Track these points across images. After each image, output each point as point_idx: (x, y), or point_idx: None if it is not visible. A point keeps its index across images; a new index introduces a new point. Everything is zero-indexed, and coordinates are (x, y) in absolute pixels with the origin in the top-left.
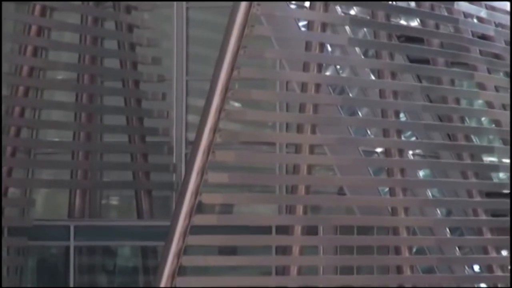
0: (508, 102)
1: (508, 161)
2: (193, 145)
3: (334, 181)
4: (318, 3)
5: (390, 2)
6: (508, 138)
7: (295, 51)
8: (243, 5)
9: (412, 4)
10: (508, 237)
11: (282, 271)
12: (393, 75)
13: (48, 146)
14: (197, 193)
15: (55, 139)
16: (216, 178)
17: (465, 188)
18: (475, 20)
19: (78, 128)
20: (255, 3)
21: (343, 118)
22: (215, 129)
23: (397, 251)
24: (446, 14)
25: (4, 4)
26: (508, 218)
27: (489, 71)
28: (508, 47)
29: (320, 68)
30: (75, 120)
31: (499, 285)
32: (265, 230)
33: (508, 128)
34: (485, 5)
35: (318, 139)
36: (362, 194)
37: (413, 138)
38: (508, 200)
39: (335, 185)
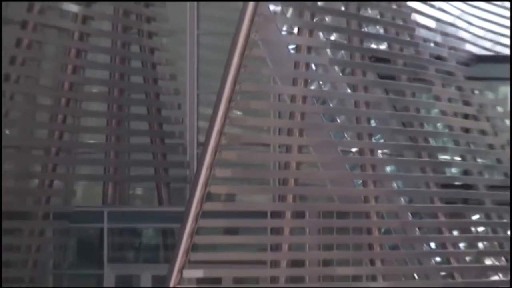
0: (460, 111)
1: (459, 158)
2: (203, 146)
3: (317, 175)
4: (304, 30)
5: (363, 30)
6: (459, 140)
7: (286, 69)
8: (243, 31)
9: (381, 30)
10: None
11: (276, 248)
12: (365, 89)
13: (86, 147)
14: (206, 185)
15: (91, 141)
16: (222, 173)
17: (424, 181)
18: (432, 44)
19: (110, 132)
20: (253, 30)
21: (325, 124)
22: (221, 133)
23: (369, 231)
24: (408, 39)
25: (47, 29)
26: (459, 205)
27: (443, 86)
28: (460, 66)
29: (306, 83)
30: (107, 125)
31: (451, 260)
32: (262, 214)
33: (460, 132)
34: (440, 31)
35: (305, 141)
36: (340, 185)
37: (382, 140)
38: (460, 190)
39: (318, 178)
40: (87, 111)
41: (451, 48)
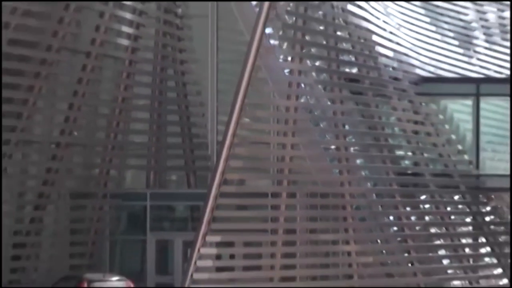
0: (411, 118)
1: (410, 154)
2: (221, 144)
3: (305, 166)
4: (296, 58)
5: (339, 58)
6: (410, 140)
7: (282, 87)
8: (251, 59)
9: (353, 58)
10: None
11: (274, 219)
12: (341, 102)
13: (134, 144)
14: (223, 173)
15: (138, 140)
16: (235, 164)
17: (384, 170)
18: (390, 69)
19: (152, 134)
20: (258, 58)
21: (311, 128)
22: (234, 134)
23: (343, 207)
24: (373, 64)
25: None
26: (410, 188)
27: (398, 99)
28: (411, 84)
29: (297, 97)
30: (149, 129)
31: (404, 229)
32: (264, 195)
33: (411, 134)
34: (396, 59)
35: (296, 140)
36: (322, 173)
37: (353, 140)
38: (411, 177)
39: (306, 168)
40: (135, 118)
41: (404, 71)
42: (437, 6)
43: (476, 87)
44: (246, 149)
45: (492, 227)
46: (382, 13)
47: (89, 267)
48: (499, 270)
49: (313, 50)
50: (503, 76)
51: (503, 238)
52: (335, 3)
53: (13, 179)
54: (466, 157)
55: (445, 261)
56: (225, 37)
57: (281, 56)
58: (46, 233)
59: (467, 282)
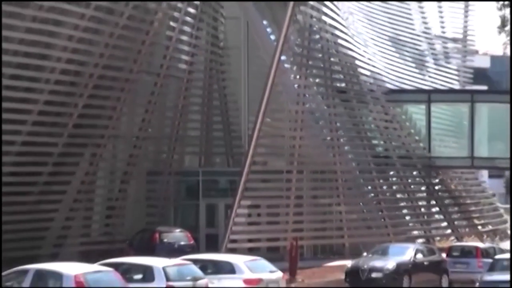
0: (383, 118)
1: (383, 142)
2: (250, 136)
3: (309, 152)
4: (302, 76)
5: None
6: (383, 133)
7: (293, 97)
8: (271, 79)
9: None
10: None
11: (288, 189)
12: (334, 106)
13: (188, 139)
14: (252, 156)
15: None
16: (260, 150)
17: (364, 154)
18: (368, 83)
19: (202, 130)
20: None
21: (313, 124)
22: (260, 130)
23: (336, 180)
24: (355, 80)
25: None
26: (383, 166)
27: (374, 104)
28: (382, 94)
29: (303, 104)
30: (200, 127)
31: (379, 195)
32: (280, 172)
33: (383, 129)
34: (372, 77)
35: (303, 134)
36: (321, 156)
37: (343, 133)
38: (383, 159)
39: (310, 153)
40: (191, 119)
41: (378, 85)
42: (400, 40)
43: (428, 96)
44: (268, 140)
45: (440, 193)
46: (362, 45)
47: (159, 223)
48: (445, 223)
49: (314, 71)
50: (446, 88)
51: (447, 201)
52: (329, 38)
53: (106, 162)
54: (421, 144)
55: (407, 217)
56: (253, 62)
57: (292, 76)
58: (129, 199)
59: (422, 231)
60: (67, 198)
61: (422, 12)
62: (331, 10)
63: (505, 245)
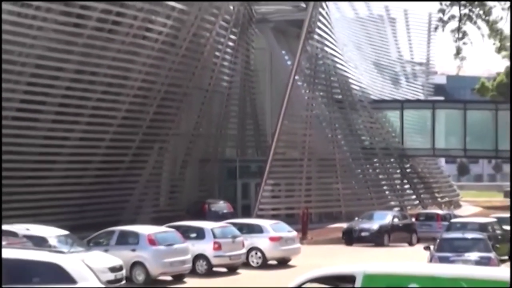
0: (367, 120)
1: (369, 138)
2: (273, 134)
3: (315, 145)
4: (311, 91)
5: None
6: (369, 131)
7: (303, 105)
8: (288, 92)
9: (339, 90)
10: None
11: (300, 171)
12: (333, 112)
13: (229, 140)
14: (275, 148)
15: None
16: (280, 144)
17: (356, 146)
18: (358, 95)
19: (239, 130)
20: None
21: (319, 125)
22: (280, 129)
23: (335, 165)
24: (349, 93)
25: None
26: (369, 155)
27: (362, 111)
28: (368, 103)
29: (311, 110)
30: (237, 127)
31: (366, 176)
32: (295, 159)
33: (369, 128)
34: (361, 90)
35: (311, 132)
36: (324, 148)
37: (339, 131)
38: (370, 150)
39: (316, 145)
40: (231, 122)
41: (365, 97)
42: (381, 64)
43: (401, 105)
44: (286, 136)
45: (410, 175)
46: (353, 67)
47: (208, 197)
48: (414, 196)
49: (319, 87)
50: (414, 99)
51: (415, 180)
52: (329, 63)
53: (170, 153)
54: (396, 139)
55: (387, 192)
56: (274, 80)
57: (303, 90)
58: (186, 180)
59: (398, 202)
60: (142, 179)
61: (396, 43)
62: (331, 42)
63: (458, 211)
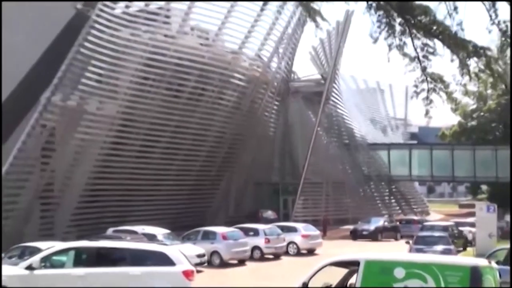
0: (366, 156)
1: (366, 168)
2: (303, 166)
3: (329, 171)
4: (325, 134)
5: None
6: (367, 164)
7: (323, 147)
8: (313, 136)
9: (345, 134)
10: None
11: (320, 190)
12: (342, 152)
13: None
14: (304, 177)
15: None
16: (308, 173)
17: (359, 173)
18: (359, 139)
19: (279, 163)
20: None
21: (331, 156)
22: (308, 161)
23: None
24: (352, 138)
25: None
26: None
27: (361, 149)
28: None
29: (327, 149)
30: (280, 166)
31: (365, 191)
32: (318, 182)
33: (366, 162)
34: (360, 136)
35: (329, 165)
36: (337, 174)
37: (347, 162)
38: (367, 175)
39: (329, 170)
40: (275, 162)
41: (363, 140)
42: (374, 119)
43: (388, 147)
44: (312, 167)
45: (395, 193)
46: (355, 121)
47: (261, 208)
48: (398, 207)
49: (333, 134)
50: (397, 143)
51: (399, 197)
52: (340, 119)
53: (236, 178)
54: (385, 169)
55: (379, 205)
56: (303, 130)
57: (323, 137)
58: (246, 196)
59: (387, 212)
60: (217, 196)
61: (384, 105)
62: (341, 106)
63: (428, 218)
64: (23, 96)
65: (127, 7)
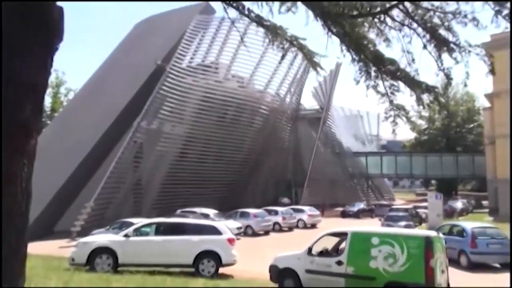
0: (353, 162)
1: (351, 169)
2: (308, 175)
3: (330, 176)
4: (325, 149)
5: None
6: (351, 169)
7: (322, 158)
8: (314, 150)
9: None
10: None
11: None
12: (336, 160)
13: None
14: (308, 177)
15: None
16: (312, 175)
17: (348, 174)
18: (347, 150)
19: (292, 176)
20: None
21: (330, 167)
22: (310, 170)
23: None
24: (344, 154)
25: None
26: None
27: (349, 158)
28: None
29: (326, 159)
30: (291, 176)
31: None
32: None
33: (352, 166)
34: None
35: (329, 171)
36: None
37: (340, 169)
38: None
39: (329, 177)
40: (287, 173)
41: (350, 151)
42: (357, 136)
43: (366, 154)
44: (314, 169)
45: (371, 186)
46: (344, 137)
47: (279, 196)
48: (373, 196)
49: (329, 148)
50: (372, 151)
51: (374, 188)
52: (334, 138)
53: (262, 177)
54: (364, 170)
55: (360, 194)
56: (307, 147)
57: (321, 149)
58: (269, 189)
59: (365, 199)
60: (250, 188)
61: (363, 126)
62: (334, 126)
63: (394, 203)
64: (122, 122)
65: (190, 62)
